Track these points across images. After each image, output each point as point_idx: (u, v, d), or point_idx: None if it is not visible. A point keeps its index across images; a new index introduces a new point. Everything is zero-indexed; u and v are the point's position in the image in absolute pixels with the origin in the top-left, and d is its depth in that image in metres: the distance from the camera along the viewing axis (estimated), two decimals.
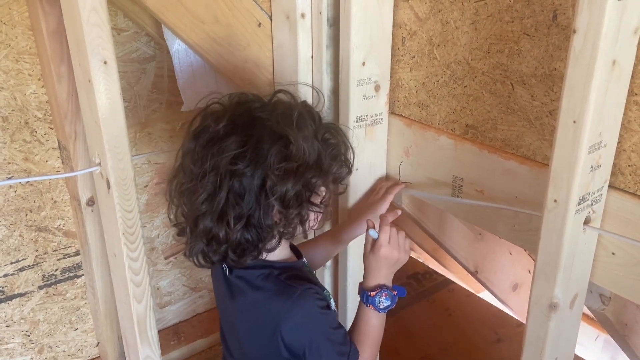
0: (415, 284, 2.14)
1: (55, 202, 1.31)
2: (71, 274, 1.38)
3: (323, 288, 0.96)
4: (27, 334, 1.37)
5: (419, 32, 1.10)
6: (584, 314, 1.00)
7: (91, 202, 1.27)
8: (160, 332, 1.13)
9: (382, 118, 1.19)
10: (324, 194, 0.94)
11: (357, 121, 1.15)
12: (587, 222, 0.85)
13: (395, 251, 0.95)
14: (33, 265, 1.32)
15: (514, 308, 1.97)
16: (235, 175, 0.85)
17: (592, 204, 0.84)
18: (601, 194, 0.85)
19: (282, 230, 0.90)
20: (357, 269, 1.25)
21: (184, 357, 1.59)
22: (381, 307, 0.96)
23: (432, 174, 1.15)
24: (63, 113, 1.17)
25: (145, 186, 1.44)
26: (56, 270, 1.36)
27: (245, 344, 0.97)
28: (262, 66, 1.22)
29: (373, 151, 1.21)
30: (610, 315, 1.19)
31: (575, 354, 0.97)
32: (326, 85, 1.20)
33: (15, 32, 1.14)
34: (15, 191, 1.25)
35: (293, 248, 1.03)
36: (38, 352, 1.40)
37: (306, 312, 0.89)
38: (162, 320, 1.62)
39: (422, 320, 1.94)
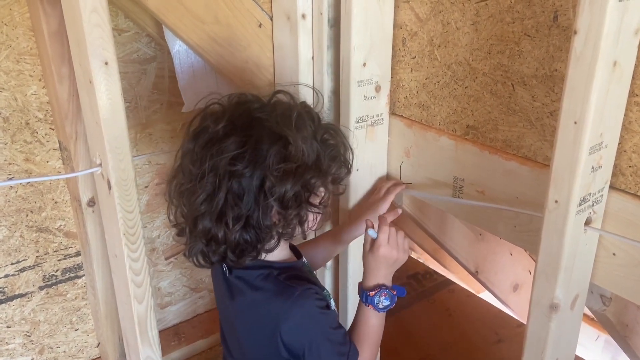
0: (415, 284, 2.14)
1: (56, 202, 1.31)
2: (72, 275, 1.38)
3: (323, 288, 0.96)
4: (28, 334, 1.37)
5: (420, 33, 1.10)
6: (584, 314, 1.00)
7: (92, 202, 1.27)
8: (160, 332, 1.13)
9: (382, 119, 1.19)
10: (323, 194, 0.94)
11: (357, 122, 1.15)
12: (588, 222, 0.85)
13: (394, 251, 0.95)
14: (34, 265, 1.32)
15: (515, 308, 1.97)
16: (234, 176, 0.85)
17: (593, 205, 0.84)
18: (602, 195, 0.85)
19: (281, 230, 0.90)
20: (358, 269, 1.24)
21: (184, 358, 1.59)
22: (380, 306, 0.96)
23: (433, 175, 1.15)
24: (64, 114, 1.17)
25: (146, 187, 1.44)
26: (57, 270, 1.36)
27: (245, 344, 0.97)
28: (263, 67, 1.22)
29: (374, 152, 1.21)
30: (611, 316, 1.19)
31: (575, 355, 0.97)
32: (327, 86, 1.20)
33: (16, 33, 1.14)
34: (16, 192, 1.25)
35: (293, 248, 1.03)
36: (39, 352, 1.40)
37: (306, 312, 0.89)
38: (163, 320, 1.62)
39: (422, 321, 1.94)
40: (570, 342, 0.94)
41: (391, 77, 1.17)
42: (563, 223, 0.81)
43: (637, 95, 0.81)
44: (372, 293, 0.95)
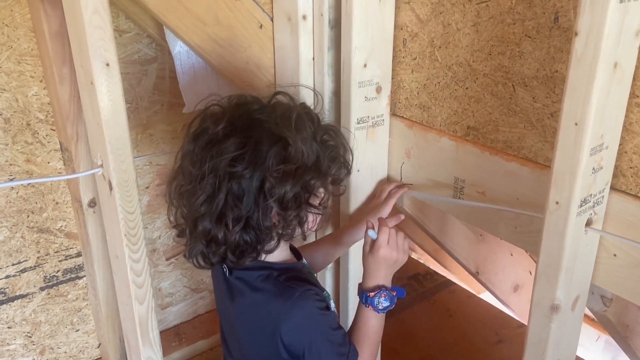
0: (416, 284, 2.14)
1: (57, 203, 1.31)
2: (73, 275, 1.39)
3: (322, 289, 0.96)
4: (29, 335, 1.37)
5: (421, 34, 1.10)
6: (585, 314, 1.00)
7: (93, 203, 1.27)
8: (161, 333, 1.13)
9: (383, 119, 1.19)
10: (322, 195, 0.94)
11: (358, 123, 1.15)
12: (588, 224, 0.85)
13: (394, 252, 0.95)
14: (35, 266, 1.32)
15: (515, 309, 1.97)
16: (234, 177, 0.85)
17: (593, 206, 0.84)
18: (603, 196, 0.85)
19: (280, 231, 0.90)
20: (359, 270, 1.24)
21: (185, 358, 1.59)
22: (380, 307, 0.96)
23: (434, 176, 1.15)
24: (65, 115, 1.17)
25: (147, 187, 1.44)
26: (58, 271, 1.36)
27: (245, 345, 0.97)
28: (264, 67, 1.22)
29: (374, 153, 1.21)
30: (611, 317, 1.19)
31: (576, 355, 0.97)
32: (327, 87, 1.20)
33: (17, 34, 1.14)
34: (17, 192, 1.25)
35: (293, 249, 1.03)
36: (39, 353, 1.41)
37: (305, 313, 0.89)
38: (164, 321, 1.62)
39: (422, 321, 1.94)
40: (571, 343, 0.94)
41: (392, 78, 1.17)
42: (564, 224, 0.81)
43: (637, 96, 0.81)
44: (371, 294, 0.96)
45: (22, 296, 1.33)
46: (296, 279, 0.93)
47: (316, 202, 0.92)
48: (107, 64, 0.88)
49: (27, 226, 1.28)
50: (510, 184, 1.00)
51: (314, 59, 1.18)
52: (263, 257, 0.93)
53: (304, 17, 1.13)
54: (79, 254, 1.38)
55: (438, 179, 1.14)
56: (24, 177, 1.24)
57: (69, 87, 1.15)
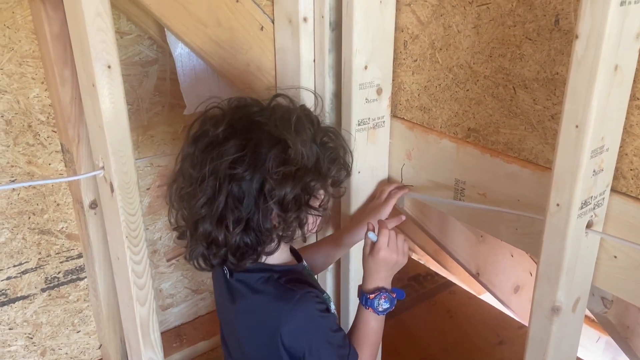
0: (416, 285, 2.14)
1: (58, 205, 1.31)
2: (74, 277, 1.39)
3: (323, 291, 0.96)
4: (30, 336, 1.38)
5: (421, 36, 1.10)
6: (585, 315, 1.00)
7: (94, 204, 1.27)
8: (162, 334, 1.13)
9: (384, 121, 1.19)
10: (322, 197, 0.94)
11: (359, 124, 1.15)
12: (589, 225, 0.85)
13: (394, 254, 0.95)
14: (36, 268, 1.33)
15: (516, 310, 1.97)
16: (234, 179, 0.85)
17: (594, 208, 0.84)
18: (603, 198, 0.85)
19: (281, 233, 0.90)
20: (359, 272, 1.24)
21: (186, 359, 1.60)
22: (380, 309, 0.96)
23: (434, 177, 1.15)
24: (66, 116, 1.18)
25: (148, 189, 1.45)
26: (59, 272, 1.36)
27: (246, 347, 0.97)
28: (264, 69, 1.22)
29: (375, 154, 1.21)
30: (612, 318, 1.20)
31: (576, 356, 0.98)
32: (328, 89, 1.20)
33: (18, 36, 1.14)
34: (19, 194, 1.25)
35: (293, 251, 1.03)
36: (41, 354, 1.41)
37: (306, 315, 0.89)
38: (164, 322, 1.62)
39: (423, 322, 1.94)
40: (571, 344, 0.94)
41: (392, 80, 1.17)
42: (565, 226, 0.81)
43: (638, 98, 0.81)
44: (371, 296, 0.96)
45: (23, 297, 1.33)
46: (296, 281, 0.93)
47: (316, 203, 0.92)
48: (109, 67, 0.89)
49: (28, 227, 1.29)
50: (511, 185, 1.00)
51: (314, 60, 1.18)
52: (263, 259, 0.93)
53: (305, 19, 1.13)
54: (80, 256, 1.38)
55: (439, 181, 1.14)
56: (26, 178, 1.24)
57: (70, 89, 1.15)
